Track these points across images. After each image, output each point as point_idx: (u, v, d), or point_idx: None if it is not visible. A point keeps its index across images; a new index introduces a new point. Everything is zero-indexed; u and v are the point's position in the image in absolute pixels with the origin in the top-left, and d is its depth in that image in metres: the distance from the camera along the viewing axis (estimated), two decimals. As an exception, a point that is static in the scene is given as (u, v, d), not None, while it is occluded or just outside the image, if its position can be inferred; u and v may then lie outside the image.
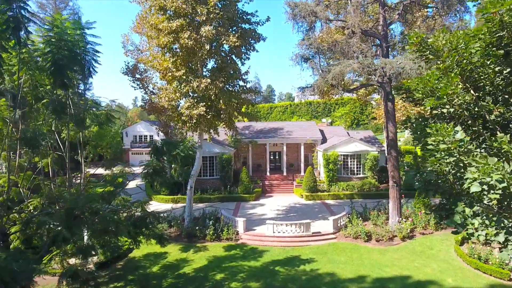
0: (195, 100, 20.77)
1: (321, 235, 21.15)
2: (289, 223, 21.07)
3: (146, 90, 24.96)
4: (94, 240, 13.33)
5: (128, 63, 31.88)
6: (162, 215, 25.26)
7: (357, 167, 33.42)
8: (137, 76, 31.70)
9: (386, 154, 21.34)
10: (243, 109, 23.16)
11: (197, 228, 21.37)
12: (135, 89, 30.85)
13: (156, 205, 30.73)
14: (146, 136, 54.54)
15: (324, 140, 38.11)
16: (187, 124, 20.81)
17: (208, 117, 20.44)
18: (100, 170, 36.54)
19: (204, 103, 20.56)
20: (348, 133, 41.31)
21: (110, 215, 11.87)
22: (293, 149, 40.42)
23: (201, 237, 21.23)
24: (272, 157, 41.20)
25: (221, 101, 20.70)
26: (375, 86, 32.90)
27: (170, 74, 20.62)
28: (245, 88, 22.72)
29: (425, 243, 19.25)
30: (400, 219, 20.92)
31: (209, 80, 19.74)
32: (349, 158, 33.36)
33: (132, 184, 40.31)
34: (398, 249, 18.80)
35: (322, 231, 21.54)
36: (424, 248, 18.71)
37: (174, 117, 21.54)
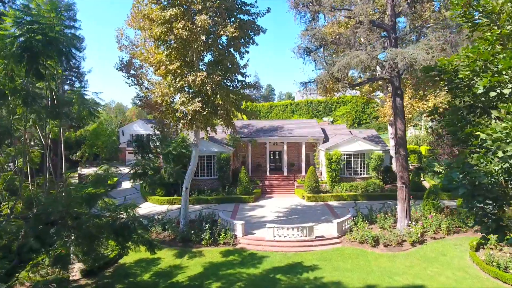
0: (191, 95, 19.44)
1: (325, 239, 19.82)
2: (290, 227, 19.74)
3: (141, 86, 23.64)
4: (77, 248, 12.05)
5: (123, 58, 30.55)
6: (156, 217, 24.02)
7: (360, 167, 32.10)
8: (132, 72, 30.38)
9: (394, 153, 20.03)
10: (243, 106, 21.87)
11: (192, 232, 20.03)
12: (129, 86, 29.45)
13: (151, 207, 29.43)
14: (143, 135, 53.12)
15: (326, 139, 36.78)
16: (182, 121, 19.48)
17: (204, 113, 19.11)
18: (93, 169, 35.14)
19: (200, 99, 19.22)
20: (350, 132, 39.97)
21: (92, 220, 10.55)
22: (294, 148, 39.10)
23: (196, 242, 19.89)
24: (272, 157, 39.86)
25: (218, 96, 19.36)
26: (379, 83, 31.60)
27: (163, 67, 19.28)
28: (244, 83, 21.41)
29: (437, 249, 17.92)
30: (410, 222, 19.60)
31: (205, 74, 18.41)
32: (352, 157, 32.03)
33: (127, 185, 39.01)
34: (409, 255, 17.47)
35: (326, 235, 20.22)
36: (436, 254, 17.38)
37: (168, 114, 20.19)
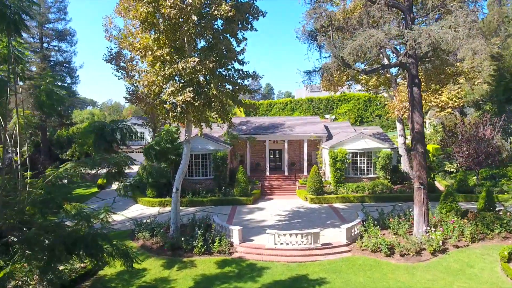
0: (181, 84, 17.17)
1: (332, 247, 17.58)
2: (293, 233, 17.49)
3: (132, 79, 21.38)
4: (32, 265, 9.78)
5: (111, 49, 28.25)
6: (145, 221, 21.76)
7: (367, 166, 29.87)
8: (122, 64, 28.08)
9: (411, 150, 17.81)
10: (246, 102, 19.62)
11: (183, 239, 17.74)
12: (119, 79, 27.00)
13: (141, 209, 27.18)
14: (137, 133, 50.81)
15: (329, 136, 34.57)
16: (171, 114, 17.21)
17: (196, 104, 16.84)
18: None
19: (191, 89, 16.95)
20: (354, 129, 37.75)
21: (44, 231, 8.27)
22: (295, 147, 36.88)
23: (188, 250, 17.62)
24: (272, 156, 37.61)
25: (212, 85, 17.13)
26: (387, 76, 29.40)
27: (150, 53, 17.00)
28: (241, 72, 19.16)
29: (462, 259, 15.69)
30: (428, 228, 17.36)
31: (197, 59, 16.13)
32: (358, 156, 29.80)
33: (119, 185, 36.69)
34: (430, 267, 15.23)
35: (333, 243, 17.97)
36: (462, 265, 15.15)
37: (155, 106, 17.93)
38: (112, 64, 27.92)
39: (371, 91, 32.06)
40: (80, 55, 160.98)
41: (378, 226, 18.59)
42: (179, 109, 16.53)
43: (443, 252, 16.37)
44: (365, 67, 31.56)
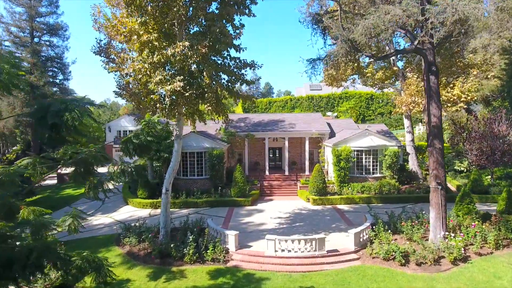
0: (170, 73, 15.33)
1: (339, 254, 15.76)
2: (296, 239, 15.66)
3: (122, 72, 19.54)
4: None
5: (100, 40, 26.37)
6: (133, 224, 19.93)
7: (373, 165, 28.06)
8: (112, 57, 26.21)
9: (427, 147, 15.98)
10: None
11: (172, 245, 15.88)
12: (109, 72, 24.99)
13: (132, 211, 25.36)
14: (132, 131, 48.92)
15: (332, 134, 32.76)
16: (159, 106, 15.37)
17: (187, 95, 15.02)
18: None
19: (181, 77, 15.12)
20: (358, 127, 35.94)
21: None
22: (296, 144, 35.06)
23: (178, 258, 15.76)
24: (271, 155, 35.79)
25: (204, 74, 15.32)
26: (394, 69, 27.61)
27: (135, 37, 15.17)
28: (238, 61, 17.33)
29: (487, 269, 13.87)
30: (447, 233, 15.54)
31: (187, 43, 14.31)
32: (363, 154, 27.99)
33: (109, 185, 34.81)
34: (451, 278, 13.41)
35: (340, 249, 16.15)
36: (488, 276, 13.34)
37: (142, 97, 16.11)
38: (101, 57, 26.10)
39: (377, 86, 30.23)
40: (78, 55, 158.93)
41: (390, 231, 16.77)
42: (167, 100, 14.69)
43: (465, 261, 14.54)
44: (369, 61, 29.81)
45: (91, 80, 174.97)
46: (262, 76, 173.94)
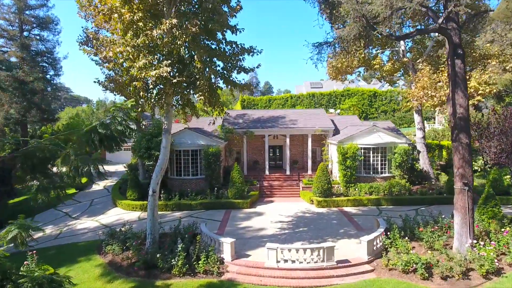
0: (156, 57, 13.28)
1: (350, 265, 13.72)
2: (301, 247, 13.62)
3: (100, 55, 17.50)
4: None
5: (87, 29, 24.29)
6: (119, 229, 17.89)
7: (381, 164, 26.02)
8: (100, 47, 24.14)
9: (452, 142, 13.94)
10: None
11: (158, 255, 13.81)
12: (96, 64, 22.99)
13: (120, 214, 23.34)
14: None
15: (336, 131, 30.73)
16: (142, 94, 13.30)
17: (174, 81, 12.99)
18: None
19: (169, 62, 13.08)
20: (363, 123, 33.90)
21: None
22: (297, 142, 33.02)
23: (165, 269, 13.70)
24: (271, 153, 33.75)
25: (195, 57, 13.30)
26: (404, 60, 25.58)
27: (116, 15, 13.10)
28: (235, 46, 15.26)
29: (526, 285, 11.84)
30: (475, 241, 13.51)
31: (175, 21, 12.26)
32: (371, 152, 25.95)
33: (100, 186, 32.84)
34: (485, 296, 11.39)
35: (351, 259, 14.12)
36: (529, 294, 11.32)
37: (125, 85, 14.07)
38: (88, 47, 23.98)
39: (386, 79, 28.20)
40: (78, 54, 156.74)
41: (407, 238, 14.73)
42: (151, 86, 12.64)
43: (498, 274, 12.50)
44: (377, 51, 27.78)
45: (88, 79, 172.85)
46: (262, 75, 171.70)
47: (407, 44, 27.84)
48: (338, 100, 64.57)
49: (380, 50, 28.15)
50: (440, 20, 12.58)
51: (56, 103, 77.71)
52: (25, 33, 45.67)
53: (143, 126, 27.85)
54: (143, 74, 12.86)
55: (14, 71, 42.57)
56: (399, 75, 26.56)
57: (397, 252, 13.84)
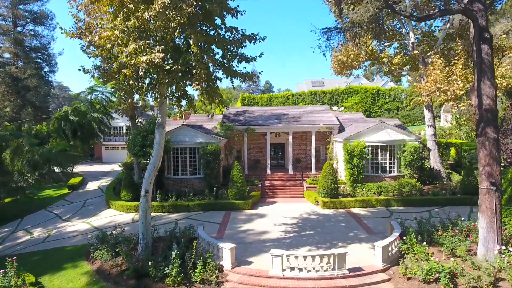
0: (147, 42, 11.87)
1: (364, 274, 12.33)
2: (309, 254, 12.24)
3: (85, 39, 16.03)
4: None
5: (74, 15, 22.78)
6: (110, 232, 16.51)
7: (390, 163, 24.64)
8: (92, 38, 22.66)
9: (477, 137, 12.57)
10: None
11: (150, 263, 12.41)
12: (89, 57, 21.53)
13: (114, 215, 22.01)
14: (122, 127, 45.50)
15: (341, 128, 29.36)
16: (133, 83, 11.90)
17: (167, 68, 11.62)
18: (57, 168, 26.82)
19: (162, 47, 11.70)
20: (370, 121, 32.53)
21: None
22: (300, 140, 31.64)
23: (157, 279, 12.30)
24: (273, 152, 32.37)
25: (191, 42, 11.91)
26: (415, 52, 24.20)
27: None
28: (235, 33, 13.84)
29: None
30: (504, 248, 12.13)
31: (168, 0, 10.86)
32: (379, 150, 24.57)
33: (93, 185, 31.44)
34: (522, 311, 9.99)
35: (364, 267, 12.74)
36: None
37: (113, 74, 12.69)
38: (80, 39, 22.55)
39: (394, 73, 26.82)
40: (76, 51, 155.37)
41: (425, 243, 13.35)
42: (142, 74, 11.25)
43: (533, 285, 11.11)
44: (383, 45, 26.45)
45: (88, 78, 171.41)
46: (262, 74, 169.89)
47: (416, 38, 26.48)
48: (341, 98, 63.16)
49: (388, 43, 26.79)
50: (465, 0, 11.20)
51: (54, 102, 76.41)
52: (18, 28, 44.32)
53: (139, 123, 26.45)
54: (133, 61, 11.46)
55: (7, 67, 41.19)
56: (407, 69, 25.13)
57: (415, 259, 12.46)
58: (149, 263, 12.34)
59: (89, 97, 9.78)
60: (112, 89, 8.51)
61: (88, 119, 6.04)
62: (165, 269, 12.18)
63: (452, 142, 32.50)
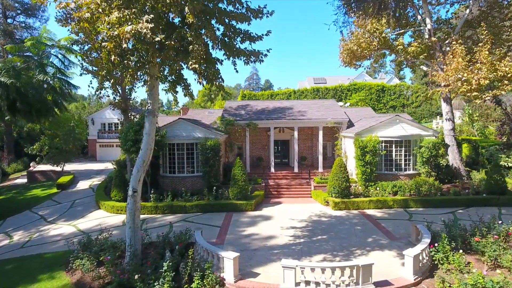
0: (133, 11, 9.84)
1: (392, 289, 10.31)
2: (327, 266, 10.20)
3: (58, 7, 13.95)
4: None
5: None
6: (95, 237, 14.51)
7: (405, 160, 22.63)
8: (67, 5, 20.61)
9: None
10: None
11: (136, 276, 10.37)
12: (55, 20, 18.82)
13: (104, 217, 19.97)
14: (117, 123, 43.43)
15: (350, 123, 27.36)
16: (115, 59, 9.85)
17: (157, 39, 9.60)
18: (47, 167, 24.78)
19: (151, 17, 9.67)
20: (380, 116, 30.53)
21: None
22: (306, 136, 29.63)
23: (146, 295, 10.27)
24: (277, 149, 30.34)
25: (186, 9, 9.89)
26: (433, 39, 22.20)
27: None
28: (238, 5, 11.82)
29: None
30: None
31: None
32: (393, 145, 22.56)
33: (84, 185, 29.38)
34: None
35: (392, 280, 10.71)
36: None
37: (93, 47, 10.65)
38: (69, 24, 20.45)
39: (409, 62, 24.80)
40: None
41: (461, 250, 11.35)
42: (125, 46, 9.22)
43: None
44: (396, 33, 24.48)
45: (87, 78, 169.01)
46: (262, 72, 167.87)
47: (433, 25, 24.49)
48: (344, 95, 61.17)
49: (402, 31, 24.78)
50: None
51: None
52: (9, 20, 42.25)
53: (132, 117, 24.39)
54: (115, 32, 9.45)
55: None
56: (422, 58, 23.11)
57: (452, 270, 10.46)
58: (136, 276, 10.28)
59: (36, 54, 7.79)
60: (68, 45, 6.72)
61: (34, 84, 4.25)
62: (155, 283, 10.14)
63: (466, 139, 30.45)
